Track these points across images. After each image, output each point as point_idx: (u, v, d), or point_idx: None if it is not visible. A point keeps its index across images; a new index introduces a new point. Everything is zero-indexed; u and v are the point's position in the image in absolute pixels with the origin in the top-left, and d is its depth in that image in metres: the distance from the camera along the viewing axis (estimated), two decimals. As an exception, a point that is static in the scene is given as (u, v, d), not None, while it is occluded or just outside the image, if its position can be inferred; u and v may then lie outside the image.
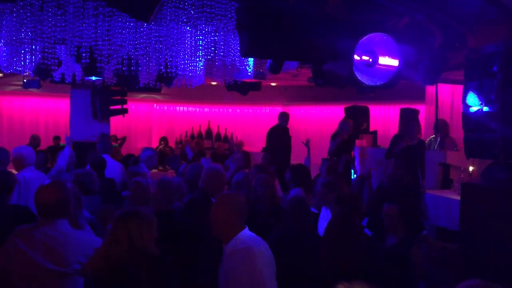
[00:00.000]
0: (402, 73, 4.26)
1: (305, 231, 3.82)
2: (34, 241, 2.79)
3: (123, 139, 11.28)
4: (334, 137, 7.98)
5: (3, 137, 11.74)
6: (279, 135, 9.20)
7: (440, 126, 7.72)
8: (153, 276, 2.53)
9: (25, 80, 9.83)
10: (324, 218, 4.35)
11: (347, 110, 9.46)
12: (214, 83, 11.35)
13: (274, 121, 13.67)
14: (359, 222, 3.89)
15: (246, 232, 2.94)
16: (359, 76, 4.05)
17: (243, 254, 2.83)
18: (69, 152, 5.91)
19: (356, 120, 9.02)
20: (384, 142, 8.63)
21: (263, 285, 2.81)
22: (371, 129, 9.47)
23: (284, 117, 9.48)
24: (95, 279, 2.66)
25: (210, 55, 6.55)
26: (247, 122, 13.90)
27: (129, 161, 7.16)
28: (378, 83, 4.19)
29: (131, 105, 10.36)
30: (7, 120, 12.08)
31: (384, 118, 11.50)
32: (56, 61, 6.48)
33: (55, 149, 9.52)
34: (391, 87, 4.34)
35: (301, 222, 3.84)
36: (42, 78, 7.56)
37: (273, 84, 12.24)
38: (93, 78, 7.15)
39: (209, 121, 13.42)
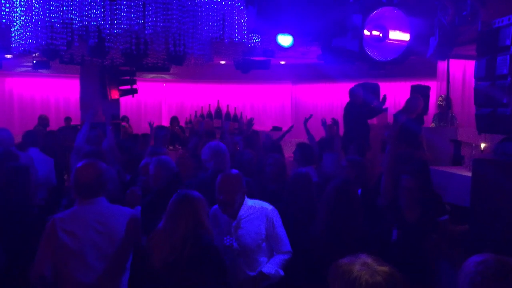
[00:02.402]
0: (413, 48, 4.20)
1: (308, 208, 3.83)
2: (86, 221, 2.85)
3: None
4: (398, 116, 6.94)
5: (14, 119, 11.85)
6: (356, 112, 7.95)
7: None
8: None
9: (34, 61, 9.88)
10: None
11: (356, 87, 9.36)
12: (223, 62, 11.29)
13: (283, 100, 13.74)
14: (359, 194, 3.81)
15: (248, 200, 3.45)
16: (369, 52, 4.00)
17: (262, 212, 3.39)
18: (83, 132, 5.95)
19: (366, 98, 8.94)
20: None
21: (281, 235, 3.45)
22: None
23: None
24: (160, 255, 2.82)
25: (218, 33, 6.50)
26: (256, 101, 13.86)
27: (143, 140, 7.18)
28: (388, 58, 4.13)
29: (140, 85, 10.36)
30: (18, 102, 12.16)
31: (395, 95, 11.39)
32: (65, 41, 6.47)
33: (66, 129, 9.58)
34: (401, 63, 4.28)
35: (303, 197, 3.84)
36: (50, 59, 7.56)
37: (282, 62, 12.15)
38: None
39: (218, 101, 13.39)
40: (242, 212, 3.37)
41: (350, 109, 7.98)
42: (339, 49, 4.92)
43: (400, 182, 3.72)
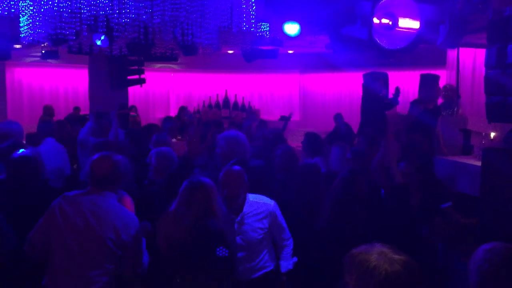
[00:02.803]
0: (423, 36, 4.15)
1: (315, 198, 3.84)
2: (80, 207, 2.92)
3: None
4: (415, 104, 6.71)
5: (23, 108, 11.92)
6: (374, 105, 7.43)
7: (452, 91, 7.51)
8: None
9: (43, 51, 9.91)
10: None
11: (365, 76, 9.31)
12: (230, 51, 11.26)
13: (291, 89, 13.70)
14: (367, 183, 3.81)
15: (249, 195, 3.50)
16: (378, 40, 3.96)
17: (265, 207, 3.46)
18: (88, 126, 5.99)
19: (375, 87, 8.88)
20: (403, 109, 8.51)
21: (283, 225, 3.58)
22: (390, 95, 9.33)
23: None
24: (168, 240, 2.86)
25: (226, 22, 6.47)
26: (264, 91, 13.83)
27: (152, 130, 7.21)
28: (398, 47, 4.09)
29: (148, 75, 10.37)
30: (27, 92, 12.23)
31: (404, 84, 11.31)
32: (73, 30, 6.48)
33: (75, 119, 9.63)
34: (411, 51, 4.24)
35: (311, 188, 3.86)
36: (57, 45, 7.58)
37: (289, 51, 12.10)
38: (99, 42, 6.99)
39: (226, 90, 13.39)
40: (245, 208, 3.41)
41: (366, 102, 7.65)
42: (348, 38, 4.88)
43: (399, 169, 3.81)
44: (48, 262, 2.94)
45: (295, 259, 3.58)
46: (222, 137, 4.53)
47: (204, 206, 2.88)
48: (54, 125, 6.19)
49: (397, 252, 1.65)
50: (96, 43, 6.86)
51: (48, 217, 2.95)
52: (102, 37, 6.49)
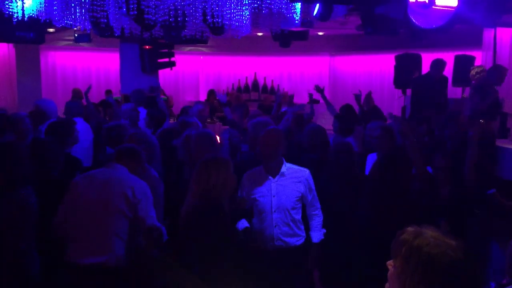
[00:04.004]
0: (461, 14, 4.02)
1: (351, 176, 3.84)
2: (93, 180, 3.13)
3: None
4: (482, 89, 6.26)
5: (57, 91, 12.18)
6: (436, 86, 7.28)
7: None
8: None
9: (76, 35, 10.06)
10: None
11: (398, 58, 9.13)
12: (260, 33, 11.19)
13: (321, 71, 13.55)
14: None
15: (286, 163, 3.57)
16: (414, 19, 3.86)
17: (301, 173, 3.54)
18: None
19: (407, 69, 8.70)
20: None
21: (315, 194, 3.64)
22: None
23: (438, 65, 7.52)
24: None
25: (256, 3, 6.42)
26: (293, 73, 13.72)
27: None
28: (434, 26, 3.98)
29: (178, 58, 10.41)
30: (60, 75, 12.48)
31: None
32: (105, 13, 6.54)
33: (107, 102, 9.78)
34: (447, 30, 4.12)
35: (346, 166, 3.84)
36: (93, 30, 7.68)
37: (320, 33, 11.94)
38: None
39: (255, 73, 13.32)
40: (282, 170, 3.48)
41: (426, 83, 7.28)
42: (381, 17, 4.78)
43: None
44: (68, 237, 3.10)
45: (324, 230, 3.63)
46: (251, 124, 4.57)
47: (207, 182, 2.97)
48: (82, 105, 6.31)
49: (450, 236, 1.56)
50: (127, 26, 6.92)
51: (69, 195, 3.16)
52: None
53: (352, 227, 3.61)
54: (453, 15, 3.99)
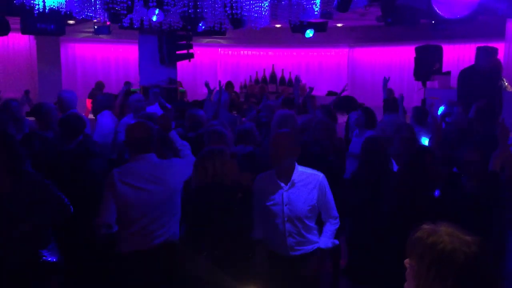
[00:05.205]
0: (486, 5, 3.95)
1: (379, 171, 3.75)
2: (140, 174, 3.14)
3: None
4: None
5: (77, 82, 12.32)
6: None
7: None
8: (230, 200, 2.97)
9: (96, 27, 10.14)
10: None
11: (418, 50, 9.01)
12: (278, 25, 11.14)
13: (339, 63, 13.46)
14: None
15: (298, 166, 3.41)
16: (438, 9, 3.79)
17: (314, 178, 3.36)
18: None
19: (428, 60, 8.59)
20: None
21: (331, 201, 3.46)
22: (444, 69, 8.99)
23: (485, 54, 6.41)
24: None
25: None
26: (311, 65, 13.64)
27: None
28: (458, 16, 3.91)
29: (196, 50, 10.43)
30: (80, 66, 12.62)
31: (459, 57, 10.87)
32: (125, 5, 6.58)
33: (126, 94, 9.84)
34: (472, 21, 4.05)
35: (373, 162, 3.77)
36: (112, 22, 7.72)
37: (339, 25, 11.84)
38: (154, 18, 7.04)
39: (273, 65, 13.29)
40: (294, 176, 3.31)
41: (475, 75, 6.45)
42: (402, 8, 4.72)
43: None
44: (118, 231, 3.13)
45: (336, 242, 3.45)
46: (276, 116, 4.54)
47: (202, 173, 3.01)
48: (112, 98, 6.34)
49: (465, 232, 1.54)
50: (152, 19, 6.94)
51: (110, 194, 3.12)
52: (157, 11, 6.55)
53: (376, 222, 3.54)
54: (478, 5, 3.92)
